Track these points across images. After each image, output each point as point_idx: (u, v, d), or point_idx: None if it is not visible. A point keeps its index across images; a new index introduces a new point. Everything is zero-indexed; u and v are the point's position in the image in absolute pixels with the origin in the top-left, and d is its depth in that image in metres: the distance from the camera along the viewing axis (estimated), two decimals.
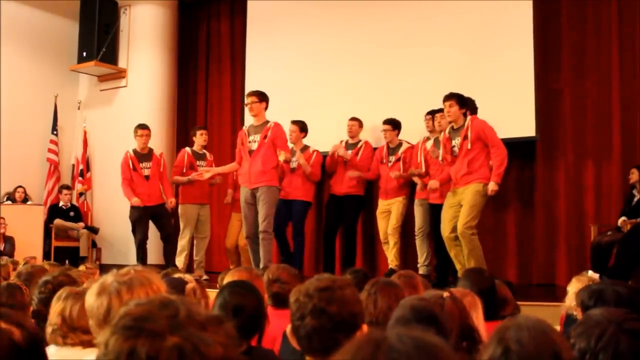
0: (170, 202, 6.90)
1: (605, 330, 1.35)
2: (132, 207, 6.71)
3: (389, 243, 6.45)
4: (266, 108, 6.00)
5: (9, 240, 7.27)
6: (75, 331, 1.94)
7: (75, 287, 2.14)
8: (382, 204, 6.60)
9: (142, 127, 6.96)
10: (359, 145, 6.77)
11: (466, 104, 5.38)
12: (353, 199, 6.67)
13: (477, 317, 2.01)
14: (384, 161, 6.57)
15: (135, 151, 6.87)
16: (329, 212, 6.88)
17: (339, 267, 6.92)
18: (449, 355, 0.83)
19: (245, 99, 6.17)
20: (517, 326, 1.19)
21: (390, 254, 6.41)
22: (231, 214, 7.57)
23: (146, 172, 6.81)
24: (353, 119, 6.88)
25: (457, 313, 1.60)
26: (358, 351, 0.82)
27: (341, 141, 6.90)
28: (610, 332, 1.34)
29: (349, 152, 6.73)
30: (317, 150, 6.80)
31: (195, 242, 7.19)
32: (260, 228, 5.79)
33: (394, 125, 6.56)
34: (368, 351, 0.81)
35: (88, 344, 1.92)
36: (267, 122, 5.92)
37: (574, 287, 3.21)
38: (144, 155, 6.87)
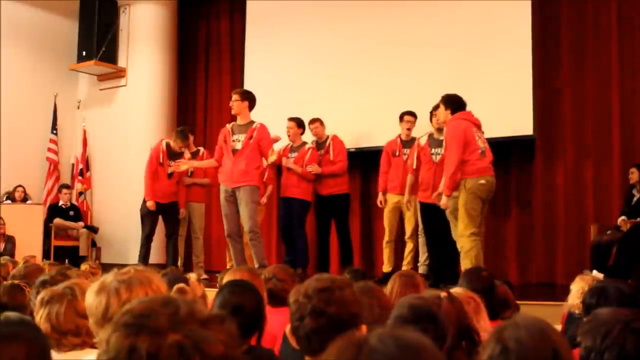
0: (181, 213, 6.83)
1: (612, 329, 1.35)
2: (144, 201, 6.66)
3: (407, 246, 6.38)
4: (251, 108, 5.90)
5: (10, 240, 7.27)
6: (66, 335, 1.91)
7: (55, 286, 2.09)
8: (391, 199, 6.42)
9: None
10: (327, 143, 6.71)
11: (450, 103, 5.20)
12: (340, 197, 6.66)
13: (484, 320, 2.00)
14: (398, 154, 6.40)
15: (168, 146, 6.73)
16: (317, 213, 6.87)
17: (337, 266, 6.93)
18: (431, 352, 0.83)
19: None
20: (515, 325, 1.19)
21: (408, 257, 6.35)
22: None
23: (171, 169, 6.67)
24: (314, 120, 6.78)
25: (454, 313, 1.61)
26: (340, 354, 0.82)
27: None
28: (616, 331, 1.34)
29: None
30: (313, 148, 6.74)
31: (192, 242, 7.20)
32: (246, 229, 5.78)
33: (416, 117, 6.46)
34: (350, 353, 0.81)
35: (80, 347, 1.91)
36: (252, 122, 5.86)
37: (577, 286, 3.21)
38: (176, 153, 6.70)
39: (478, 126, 5.18)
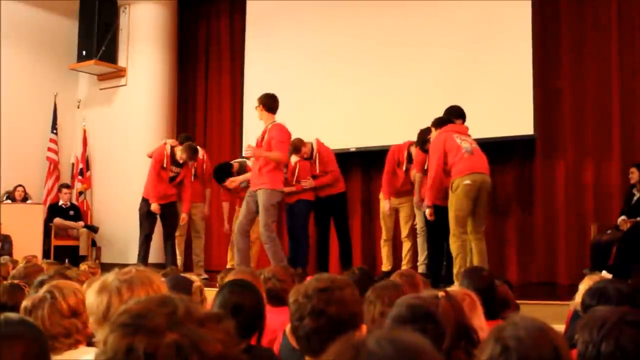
0: (182, 218, 6.80)
1: (607, 321, 1.35)
2: (143, 201, 6.63)
3: (404, 246, 6.39)
4: (268, 109, 5.74)
5: (7, 239, 7.26)
6: (57, 338, 1.91)
7: (36, 293, 2.08)
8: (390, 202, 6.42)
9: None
10: (313, 155, 6.58)
11: (437, 124, 5.41)
12: (337, 196, 6.62)
13: (478, 318, 2.00)
14: (402, 166, 6.31)
15: (172, 149, 6.68)
16: (316, 213, 6.84)
17: (337, 266, 6.92)
18: (429, 355, 0.83)
19: None
20: (514, 324, 1.19)
21: (407, 256, 6.35)
22: (236, 208, 7.50)
23: (172, 174, 6.66)
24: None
25: (452, 312, 1.61)
26: (338, 356, 0.82)
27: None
28: (612, 322, 1.34)
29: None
30: (300, 160, 6.53)
31: (193, 241, 7.19)
32: (260, 230, 5.73)
33: None
34: (348, 356, 0.81)
35: (75, 345, 1.92)
36: (270, 123, 5.79)
37: (585, 285, 3.19)
38: (177, 160, 6.66)
39: (463, 133, 5.27)
